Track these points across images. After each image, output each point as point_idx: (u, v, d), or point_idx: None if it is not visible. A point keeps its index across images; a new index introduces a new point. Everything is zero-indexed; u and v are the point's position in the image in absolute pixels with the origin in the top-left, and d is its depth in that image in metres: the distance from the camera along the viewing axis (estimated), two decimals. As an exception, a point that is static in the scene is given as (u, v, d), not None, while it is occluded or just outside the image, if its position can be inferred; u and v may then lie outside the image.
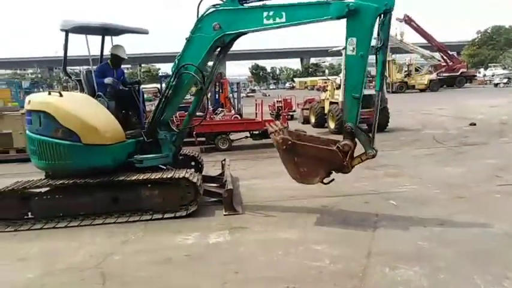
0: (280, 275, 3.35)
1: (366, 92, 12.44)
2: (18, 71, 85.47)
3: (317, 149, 4.62)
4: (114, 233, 4.47)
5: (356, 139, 4.59)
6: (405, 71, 37.15)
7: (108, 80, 5.60)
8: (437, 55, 39.68)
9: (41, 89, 31.37)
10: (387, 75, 30.28)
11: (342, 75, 12.76)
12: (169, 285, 3.29)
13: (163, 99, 5.29)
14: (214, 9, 4.94)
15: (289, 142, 4.47)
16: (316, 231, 4.33)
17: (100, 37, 6.04)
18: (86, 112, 5.05)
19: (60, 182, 4.96)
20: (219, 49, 5.23)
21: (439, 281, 3.17)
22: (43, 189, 5.07)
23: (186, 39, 5.10)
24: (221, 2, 4.94)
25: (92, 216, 4.88)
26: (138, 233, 4.47)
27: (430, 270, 3.31)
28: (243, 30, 4.94)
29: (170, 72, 5.45)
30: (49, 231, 4.64)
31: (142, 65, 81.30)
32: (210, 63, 5.64)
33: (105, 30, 5.83)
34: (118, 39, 6.09)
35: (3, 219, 4.81)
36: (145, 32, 6.05)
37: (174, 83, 5.19)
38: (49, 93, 5.36)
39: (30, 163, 5.52)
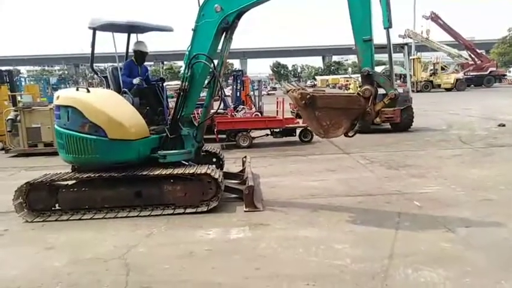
0: (301, 272, 3.34)
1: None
2: (46, 68, 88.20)
3: (336, 98, 4.53)
4: (138, 226, 4.56)
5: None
6: (431, 70, 36.21)
7: (136, 81, 5.81)
8: (464, 53, 38.45)
9: (67, 85, 32.25)
10: (412, 74, 29.59)
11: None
12: (191, 279, 3.33)
13: (182, 93, 5.34)
14: None
15: (308, 96, 4.34)
16: (338, 230, 4.30)
17: (126, 34, 6.17)
18: (112, 108, 5.16)
19: (86, 175, 5.10)
20: (224, 32, 5.25)
21: (464, 284, 3.09)
22: (70, 182, 5.23)
23: (192, 29, 5.19)
24: None
25: (116, 209, 5.00)
26: (160, 226, 4.55)
27: (455, 273, 3.23)
28: (243, 6, 4.99)
29: None
30: (75, 223, 4.78)
31: (165, 63, 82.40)
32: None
33: (131, 28, 5.96)
34: (142, 37, 6.21)
35: (33, 210, 4.98)
36: (170, 30, 6.12)
37: (188, 74, 5.26)
38: (77, 89, 5.51)
39: (58, 157, 5.70)
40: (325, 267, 3.44)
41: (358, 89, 12.83)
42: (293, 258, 3.64)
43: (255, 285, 3.19)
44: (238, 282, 3.25)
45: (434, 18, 36.41)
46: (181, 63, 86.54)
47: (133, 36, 6.17)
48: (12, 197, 4.92)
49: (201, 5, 5.12)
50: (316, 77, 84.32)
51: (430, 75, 35.73)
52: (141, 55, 6.04)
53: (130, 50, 6.18)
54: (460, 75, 35.62)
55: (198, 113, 7.25)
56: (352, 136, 4.55)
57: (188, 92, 5.33)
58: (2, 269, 3.63)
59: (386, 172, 6.85)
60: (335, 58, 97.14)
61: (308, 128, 10.67)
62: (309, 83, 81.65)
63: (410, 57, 30.35)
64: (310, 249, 3.80)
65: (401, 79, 17.47)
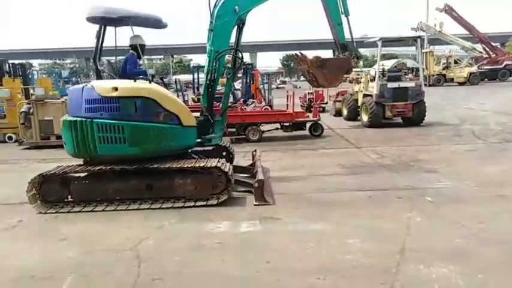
0: (311, 266, 3.34)
1: (402, 84, 12.22)
2: (57, 61, 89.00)
3: (336, 60, 6.63)
4: (149, 219, 4.60)
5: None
6: (443, 63, 35.63)
7: (152, 71, 6.12)
8: (479, 47, 37.74)
9: (79, 78, 32.51)
10: (424, 68, 29.17)
11: (376, 66, 12.43)
12: (202, 271, 3.35)
13: (212, 83, 5.81)
14: None
15: (320, 59, 6.42)
16: (348, 224, 4.27)
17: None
18: (175, 97, 5.71)
19: (98, 168, 5.14)
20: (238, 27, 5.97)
21: (477, 280, 3.05)
22: (82, 174, 5.29)
23: (209, 29, 5.69)
24: None
25: (127, 202, 5.04)
26: (171, 219, 4.58)
27: (468, 269, 3.19)
28: (255, 5, 5.87)
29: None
30: (87, 214, 4.84)
31: (175, 56, 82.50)
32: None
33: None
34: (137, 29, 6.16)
35: (46, 202, 5.06)
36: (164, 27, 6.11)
37: (216, 66, 5.73)
38: (135, 81, 5.36)
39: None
40: (336, 261, 3.42)
41: (370, 82, 12.80)
42: (304, 252, 3.63)
43: (265, 278, 3.19)
44: (249, 275, 3.25)
45: (448, 10, 35.77)
46: (190, 57, 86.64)
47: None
48: (26, 189, 4.99)
49: (216, 6, 5.64)
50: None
51: (443, 69, 35.17)
52: (142, 48, 5.96)
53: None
54: (474, 68, 34.98)
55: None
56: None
57: (214, 82, 5.82)
58: (17, 259, 3.69)
59: (398, 167, 6.78)
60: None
61: (318, 122, 10.63)
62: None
63: (423, 51, 29.90)
64: (321, 243, 3.78)
65: (414, 73, 17.25)
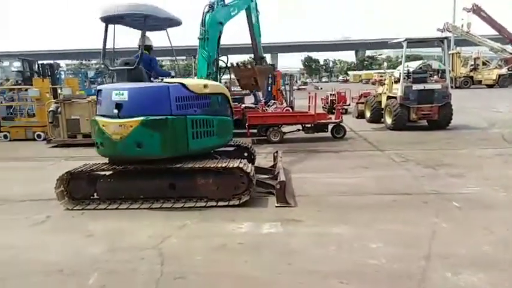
0: (334, 270, 3.30)
1: (428, 86, 11.96)
2: (83, 62, 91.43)
3: (265, 68, 9.22)
4: (171, 218, 4.66)
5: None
6: (471, 65, 34.59)
7: (173, 73, 6.45)
8: (509, 48, 36.44)
9: (104, 78, 33.27)
10: (450, 69, 28.41)
11: (401, 67, 12.20)
12: (224, 271, 3.37)
13: None
14: (213, 11, 7.87)
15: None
16: (371, 228, 4.20)
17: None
18: None
19: (122, 166, 5.25)
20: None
21: (508, 290, 2.95)
22: (107, 173, 5.41)
23: (201, 38, 7.88)
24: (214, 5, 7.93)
25: (150, 200, 5.12)
26: (193, 218, 4.62)
27: (497, 278, 3.09)
28: (230, 19, 8.28)
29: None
30: (112, 212, 4.94)
31: (196, 57, 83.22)
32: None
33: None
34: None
35: (73, 198, 5.20)
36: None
37: (214, 69, 7.48)
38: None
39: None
40: (359, 265, 3.37)
41: (394, 84, 12.60)
42: (326, 255, 3.60)
43: (287, 280, 3.18)
44: (271, 276, 3.25)
45: (477, 10, 34.76)
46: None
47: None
48: (54, 186, 5.15)
49: (206, 22, 7.86)
50: (348, 72, 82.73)
51: (471, 71, 34.15)
52: (149, 49, 5.99)
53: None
54: (503, 70, 33.76)
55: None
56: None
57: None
58: (46, 253, 3.81)
59: (423, 171, 6.63)
60: (368, 53, 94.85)
61: (341, 124, 10.51)
62: (340, 78, 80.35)
63: (449, 52, 29.14)
64: (343, 247, 3.74)
65: (439, 75, 16.82)
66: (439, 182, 5.92)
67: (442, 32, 35.72)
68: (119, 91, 5.00)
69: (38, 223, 4.67)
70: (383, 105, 12.51)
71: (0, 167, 8.31)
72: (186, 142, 5.13)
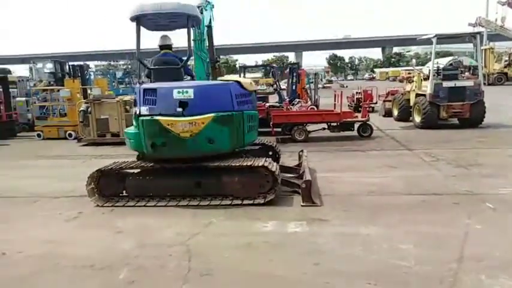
0: (361, 271, 3.25)
1: (459, 83, 11.56)
2: (112, 62, 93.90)
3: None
4: (198, 215, 4.72)
5: None
6: (505, 61, 33.17)
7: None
8: (547, 42, 34.74)
9: (131, 79, 34.00)
10: (483, 66, 27.35)
11: (430, 64, 11.85)
12: (250, 269, 3.38)
13: None
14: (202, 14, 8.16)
15: None
16: (400, 229, 4.11)
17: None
18: None
19: (151, 164, 5.36)
20: None
21: (547, 296, 2.81)
22: (136, 170, 5.54)
23: (195, 40, 8.76)
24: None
25: (177, 198, 5.20)
26: (219, 216, 4.66)
27: (536, 284, 2.95)
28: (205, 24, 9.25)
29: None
30: (140, 209, 5.05)
31: (221, 56, 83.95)
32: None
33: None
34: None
35: (103, 195, 5.35)
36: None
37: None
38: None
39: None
40: (388, 267, 3.30)
41: (423, 81, 12.29)
42: (353, 256, 3.54)
43: (314, 280, 3.15)
44: (297, 276, 3.23)
45: (512, 3, 33.27)
46: (236, 57, 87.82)
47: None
48: (85, 183, 5.31)
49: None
50: (375, 69, 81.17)
51: (505, 67, 32.75)
52: (170, 49, 6.04)
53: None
54: (540, 66, 32.24)
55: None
56: None
57: None
58: (78, 248, 3.94)
59: (455, 171, 6.42)
60: (396, 49, 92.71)
61: (367, 122, 10.33)
62: (366, 75, 78.96)
63: (482, 47, 28.06)
64: (371, 248, 3.67)
65: (471, 71, 16.24)
66: (471, 182, 5.71)
67: (474, 26, 34.48)
68: (182, 89, 5.05)
69: (71, 219, 4.84)
70: (411, 103, 12.19)
71: (35, 165, 8.65)
72: (242, 136, 5.44)
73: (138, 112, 5.19)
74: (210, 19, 9.64)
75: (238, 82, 5.50)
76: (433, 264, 3.29)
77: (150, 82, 5.74)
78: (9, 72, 15.10)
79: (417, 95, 11.83)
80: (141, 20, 5.50)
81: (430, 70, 11.55)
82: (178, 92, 5.02)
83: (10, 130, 13.59)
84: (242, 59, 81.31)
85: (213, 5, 9.86)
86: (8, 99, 13.96)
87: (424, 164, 7.07)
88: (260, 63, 52.61)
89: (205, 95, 5.13)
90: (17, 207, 5.48)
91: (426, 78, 11.74)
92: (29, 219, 4.93)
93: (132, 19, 5.44)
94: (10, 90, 14.42)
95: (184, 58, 5.72)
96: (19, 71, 47.89)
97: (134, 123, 5.47)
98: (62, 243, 4.09)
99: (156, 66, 5.82)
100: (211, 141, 5.08)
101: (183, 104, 4.97)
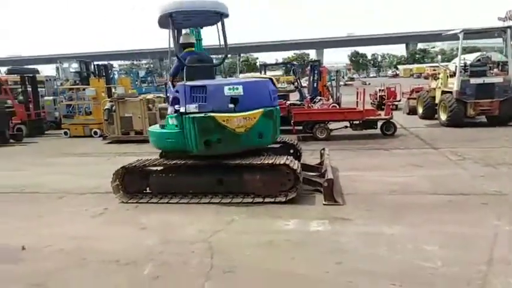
0: (385, 271, 3.19)
1: (487, 80, 11.19)
2: (134, 62, 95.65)
3: None
4: (220, 213, 4.75)
5: None
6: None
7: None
8: None
9: (154, 78, 34.54)
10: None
11: (457, 60, 11.51)
12: (272, 267, 3.38)
13: None
14: None
15: None
16: (425, 229, 4.01)
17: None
18: None
19: (173, 162, 5.43)
20: None
21: None
22: (159, 168, 5.62)
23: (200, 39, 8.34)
24: None
25: (199, 195, 5.26)
26: (241, 214, 4.68)
27: None
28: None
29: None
30: (164, 206, 5.13)
31: (241, 55, 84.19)
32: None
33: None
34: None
35: (128, 192, 5.46)
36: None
37: None
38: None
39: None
40: (412, 268, 3.23)
41: (449, 78, 11.93)
42: (376, 256, 3.49)
43: (336, 279, 3.12)
44: (319, 275, 3.21)
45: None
46: (257, 55, 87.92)
47: None
48: (110, 180, 5.44)
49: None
50: (398, 66, 79.53)
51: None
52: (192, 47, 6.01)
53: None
54: None
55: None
56: None
57: None
58: (104, 244, 4.04)
59: (482, 170, 6.21)
60: (420, 45, 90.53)
61: (391, 120, 10.14)
62: (390, 72, 77.47)
63: None
64: (395, 248, 3.60)
65: (500, 67, 15.67)
66: (500, 181, 5.52)
67: (504, 21, 33.27)
68: (232, 86, 5.16)
69: (97, 215, 4.96)
70: (437, 101, 11.88)
71: (61, 162, 8.91)
72: (276, 130, 5.68)
73: (183, 110, 5.10)
74: None
75: (271, 79, 5.73)
76: (460, 266, 3.21)
77: (185, 80, 5.48)
78: (37, 72, 15.47)
79: (443, 92, 11.52)
80: (175, 17, 5.43)
81: (456, 66, 11.22)
82: (229, 89, 5.10)
83: (39, 128, 14.06)
84: (263, 57, 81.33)
85: None
86: (37, 98, 14.43)
87: (450, 163, 6.88)
88: (280, 61, 52.37)
89: (252, 91, 5.29)
90: (44, 203, 5.66)
91: (452, 75, 11.41)
92: (56, 215, 5.09)
93: (166, 16, 5.36)
94: (38, 89, 14.88)
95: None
96: (46, 70, 49.45)
97: (174, 121, 5.31)
98: (88, 239, 4.20)
99: (194, 64, 5.70)
100: (261, 136, 5.33)
101: (234, 100, 5.07)
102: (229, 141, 5.10)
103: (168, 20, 5.38)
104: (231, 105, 5.06)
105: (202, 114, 5.02)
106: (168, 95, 5.82)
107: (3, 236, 4.40)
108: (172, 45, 5.48)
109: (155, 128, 5.98)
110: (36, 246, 4.02)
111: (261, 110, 5.25)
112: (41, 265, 3.63)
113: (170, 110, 5.45)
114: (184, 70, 5.52)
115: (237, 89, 5.11)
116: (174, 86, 5.56)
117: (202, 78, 5.43)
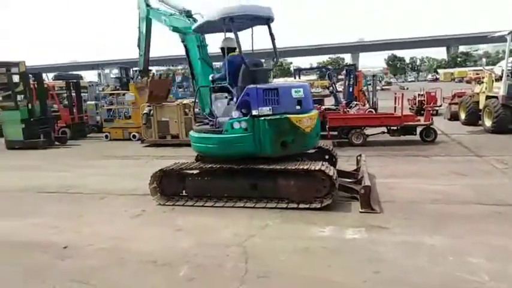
0: (426, 282, 3.06)
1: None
2: (171, 67, 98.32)
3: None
4: (254, 217, 4.75)
5: None
6: None
7: None
8: None
9: (189, 83, 35.26)
10: None
11: (503, 64, 10.94)
12: (308, 274, 3.33)
13: None
14: None
15: None
16: (469, 241, 3.82)
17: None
18: None
19: (209, 165, 5.50)
20: None
21: None
22: (195, 171, 5.72)
23: (205, 45, 6.91)
24: None
25: (234, 199, 5.29)
26: (275, 219, 4.66)
27: None
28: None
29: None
30: (199, 209, 5.21)
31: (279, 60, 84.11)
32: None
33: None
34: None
35: (164, 194, 5.59)
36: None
37: None
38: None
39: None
40: (456, 281, 3.08)
41: (495, 83, 11.33)
42: (416, 267, 3.35)
43: (374, 289, 3.03)
44: (357, 283, 3.13)
45: None
46: (291, 60, 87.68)
47: None
48: (148, 182, 5.59)
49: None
50: (438, 70, 76.66)
51: None
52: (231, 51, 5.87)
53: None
54: None
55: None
56: None
57: None
58: (142, 245, 4.15)
59: (532, 179, 5.84)
60: (462, 48, 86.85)
61: (431, 126, 9.77)
62: (429, 77, 74.85)
63: None
64: (437, 259, 3.45)
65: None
66: (553, 192, 5.16)
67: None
68: (297, 89, 5.45)
69: (135, 216, 5.11)
70: (481, 106, 11.33)
71: (102, 165, 9.27)
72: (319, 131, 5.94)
73: (256, 113, 5.08)
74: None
75: (307, 85, 5.93)
76: (509, 282, 3.01)
77: (240, 83, 5.37)
78: (81, 78, 16.29)
79: (488, 97, 10.97)
80: (228, 21, 5.28)
81: (503, 70, 10.65)
82: (296, 92, 5.39)
83: (81, 131, 14.75)
84: (297, 62, 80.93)
85: None
86: (80, 103, 15.17)
87: (496, 171, 6.52)
88: (315, 65, 51.93)
89: (308, 94, 5.64)
90: (86, 203, 5.91)
91: (498, 79, 10.85)
92: (97, 215, 5.29)
93: (226, 20, 5.20)
94: (82, 94, 15.64)
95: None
96: (89, 76, 51.79)
97: (243, 125, 5.17)
98: (127, 239, 4.33)
99: (255, 68, 5.60)
100: (318, 134, 5.82)
101: (299, 102, 5.38)
102: (300, 141, 5.36)
103: (221, 24, 5.34)
104: (298, 107, 5.36)
105: (278, 116, 5.11)
106: (231, 98, 5.55)
107: (49, 234, 4.63)
108: (236, 48, 5.46)
109: (209, 134, 5.59)
110: (78, 244, 4.20)
111: (317, 111, 5.75)
112: (84, 262, 3.78)
113: (235, 114, 5.28)
114: (241, 73, 5.37)
115: (300, 91, 5.43)
116: (215, 90, 5.69)
117: (258, 82, 5.35)
